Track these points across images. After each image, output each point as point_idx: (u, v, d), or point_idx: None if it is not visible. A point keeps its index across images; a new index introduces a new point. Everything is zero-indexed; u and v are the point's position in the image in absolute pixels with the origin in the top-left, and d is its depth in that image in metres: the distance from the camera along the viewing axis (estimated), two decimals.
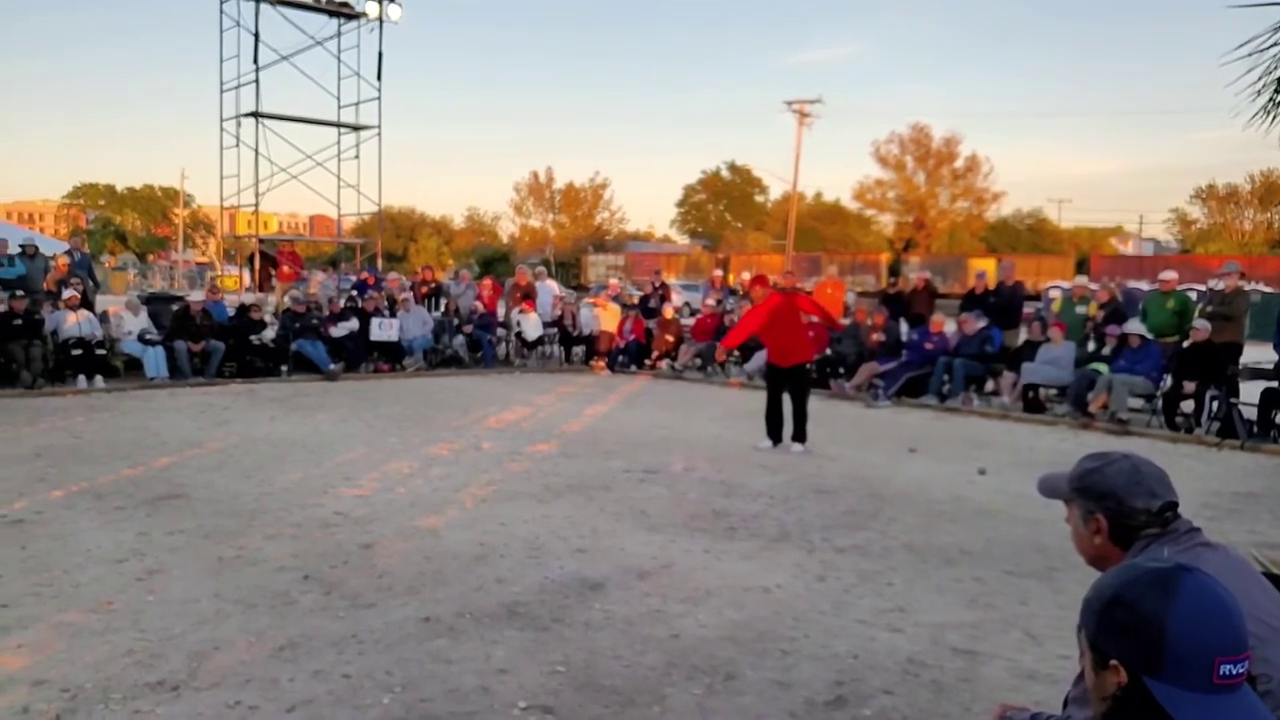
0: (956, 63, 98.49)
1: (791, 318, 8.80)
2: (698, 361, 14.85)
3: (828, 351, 12.79)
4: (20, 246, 14.45)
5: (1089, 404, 10.58)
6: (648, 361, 15.29)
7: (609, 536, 5.79)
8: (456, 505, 6.46)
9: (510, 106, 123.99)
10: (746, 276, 17.53)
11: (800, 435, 8.73)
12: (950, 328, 12.60)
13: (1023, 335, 12.46)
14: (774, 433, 8.82)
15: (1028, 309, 13.92)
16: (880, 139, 61.67)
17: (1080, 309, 12.29)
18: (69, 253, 15.02)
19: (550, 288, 17.22)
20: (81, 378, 11.89)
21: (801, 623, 4.44)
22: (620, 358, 15.37)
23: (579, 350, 16.18)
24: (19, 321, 11.72)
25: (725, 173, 72.57)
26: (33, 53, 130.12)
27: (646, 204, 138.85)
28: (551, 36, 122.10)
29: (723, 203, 72.98)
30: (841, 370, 12.92)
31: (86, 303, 13.03)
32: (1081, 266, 37.52)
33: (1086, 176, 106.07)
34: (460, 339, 15.28)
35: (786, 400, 8.80)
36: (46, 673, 3.67)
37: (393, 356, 14.49)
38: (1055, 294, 17.26)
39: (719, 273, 18.81)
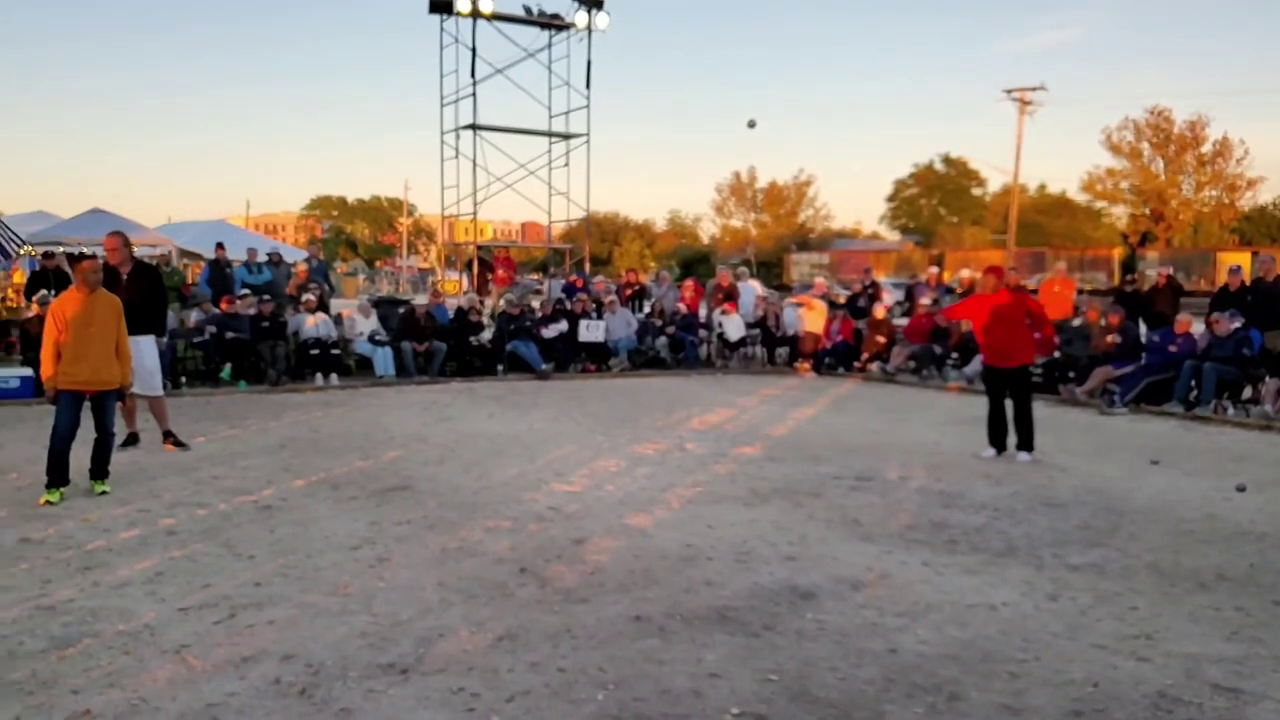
0: (1200, 37, 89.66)
1: (1016, 316, 8.26)
2: (911, 364, 14.25)
3: (1055, 354, 11.92)
4: (267, 255, 15.99)
5: None
6: (856, 364, 14.82)
7: (820, 544, 5.61)
8: (664, 505, 6.48)
9: (712, 107, 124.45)
10: (965, 274, 16.69)
11: (1027, 443, 8.17)
12: (1198, 328, 11.45)
13: None
14: (997, 440, 8.30)
15: None
16: (1112, 125, 57.07)
17: None
18: (308, 260, 16.43)
19: (753, 288, 17.06)
20: (319, 375, 12.91)
21: (1032, 644, 4.12)
22: (827, 359, 15.01)
23: (783, 351, 15.93)
24: (266, 323, 12.90)
25: (939, 165, 69.66)
26: (284, 78, 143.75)
27: (853, 200, 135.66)
28: (754, 34, 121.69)
29: (936, 197, 70.00)
30: (1071, 374, 12.02)
31: (323, 306, 14.18)
32: None
33: None
34: (663, 340, 15.45)
35: (1010, 406, 8.26)
36: (293, 648, 3.95)
37: (599, 357, 14.85)
38: None
39: (934, 270, 18.03)
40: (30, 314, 11.87)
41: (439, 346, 13.91)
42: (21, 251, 17.57)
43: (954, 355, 13.73)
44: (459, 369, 14.11)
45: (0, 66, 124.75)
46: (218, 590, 4.65)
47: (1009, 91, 39.44)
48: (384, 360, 13.54)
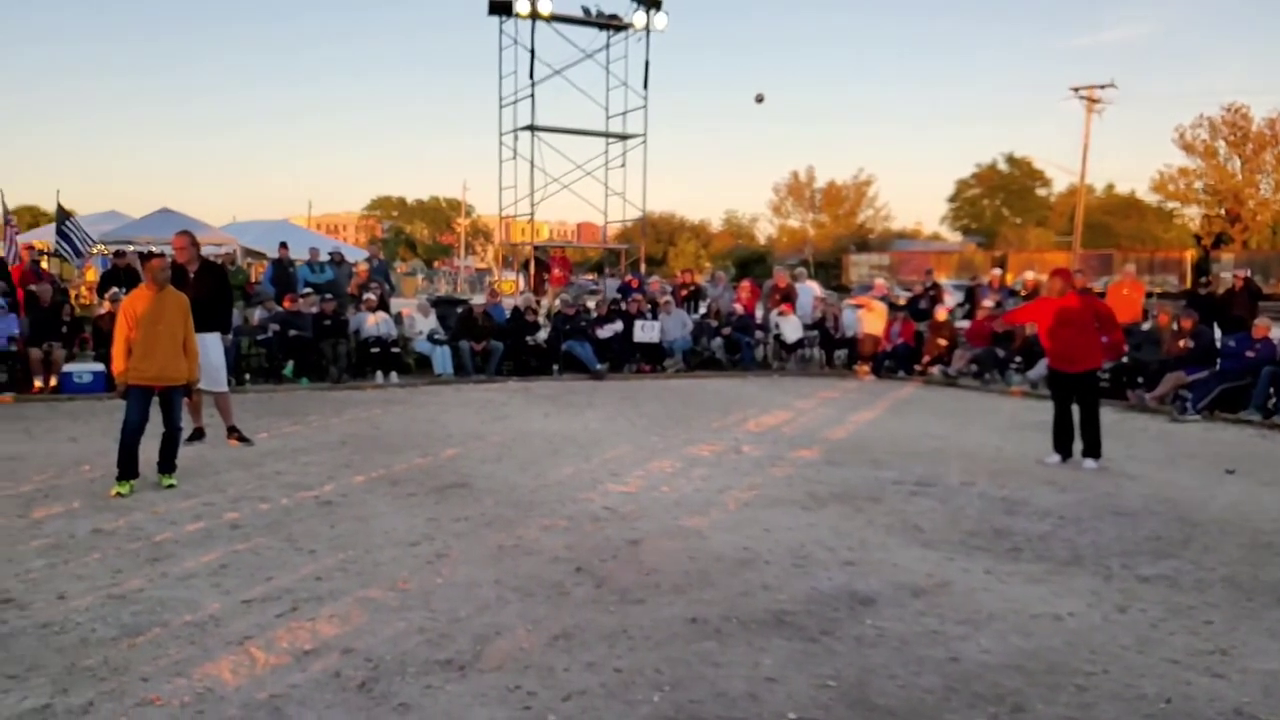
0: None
1: (1084, 320, 8.04)
2: (974, 367, 13.98)
3: (1124, 359, 11.60)
4: (329, 254, 16.27)
5: None
6: (917, 367, 14.60)
7: (879, 550, 5.53)
8: (720, 507, 6.43)
9: (770, 107, 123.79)
10: (1029, 276, 16.34)
11: (1093, 450, 7.96)
12: (1277, 333, 11.04)
13: None
14: (1062, 446, 8.10)
15: None
16: (1185, 123, 55.40)
17: None
18: (369, 260, 16.70)
19: (811, 289, 16.90)
20: (379, 373, 13.10)
21: (1100, 657, 4.00)
22: (887, 362, 14.80)
23: (841, 354, 15.76)
24: (328, 322, 13.13)
25: (1002, 165, 68.34)
26: (345, 77, 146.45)
27: (913, 200, 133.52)
28: (812, 32, 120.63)
29: (999, 197, 68.66)
30: (1140, 379, 11.68)
31: (384, 305, 14.37)
32: None
33: None
34: (719, 341, 15.38)
35: (1076, 411, 8.05)
36: (353, 642, 4.00)
37: (654, 358, 14.84)
38: None
39: (997, 271, 17.68)
40: (102, 311, 12.24)
41: (496, 346, 14.04)
42: (94, 250, 18.13)
43: (1017, 359, 13.45)
44: (515, 368, 14.22)
45: (72, 69, 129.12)
46: (280, 583, 4.73)
47: (1076, 89, 38.62)
48: (442, 359, 13.70)
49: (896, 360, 14.75)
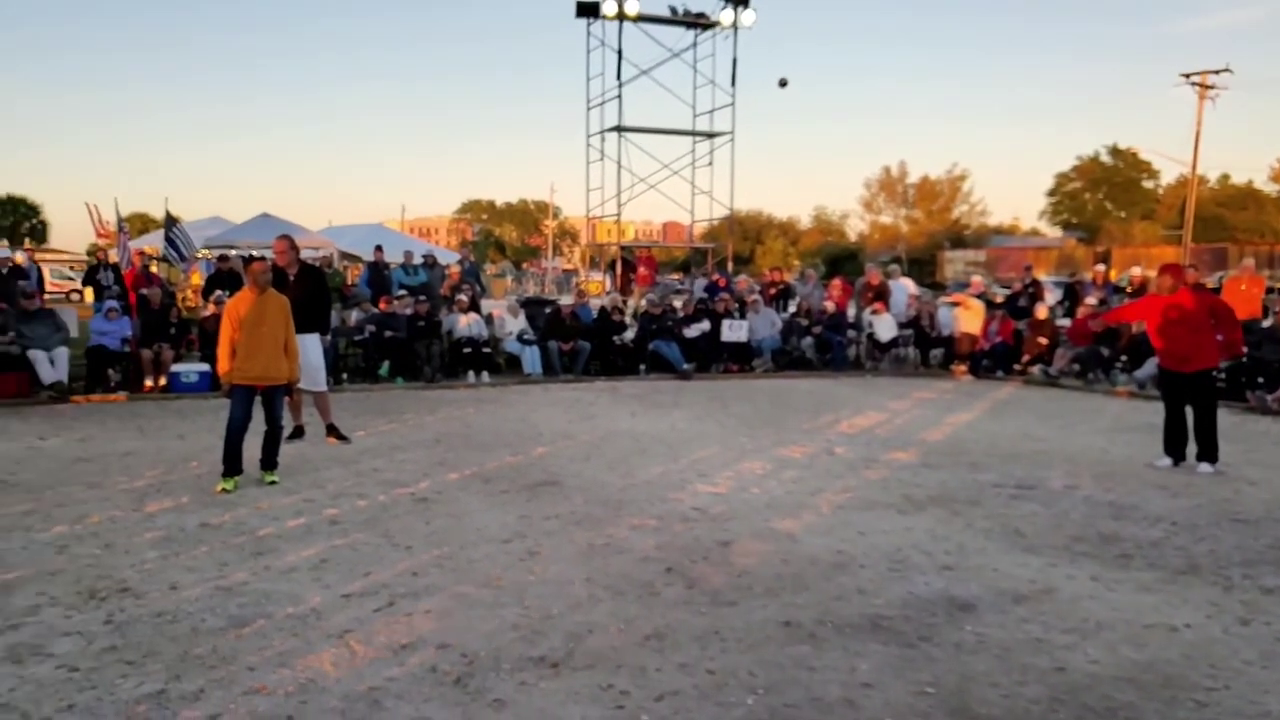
0: None
1: (1198, 318, 7.66)
2: (1076, 367, 13.46)
3: (1242, 358, 11.01)
4: (422, 257, 16.62)
5: None
6: (1016, 366, 14.12)
7: (978, 555, 5.36)
8: (812, 510, 6.33)
9: (861, 102, 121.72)
10: (1135, 272, 15.67)
11: (1209, 453, 7.57)
12: None
13: None
14: (1175, 449, 7.72)
15: None
16: None
17: None
18: (460, 262, 17.02)
19: (905, 286, 16.52)
20: (471, 373, 13.32)
21: (1221, 671, 3.79)
22: (984, 362, 14.36)
23: (937, 353, 15.37)
24: (422, 323, 13.41)
25: (1105, 157, 65.81)
26: (434, 83, 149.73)
27: (1011, 195, 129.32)
28: (902, 24, 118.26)
29: (1102, 190, 66.16)
30: (1261, 380, 11.07)
31: (475, 306, 14.61)
32: None
33: None
34: (809, 340, 15.16)
35: (1190, 413, 7.67)
36: (449, 638, 4.05)
37: (742, 357, 14.72)
38: None
39: (1100, 267, 16.99)
40: (207, 313, 12.73)
41: (583, 346, 14.13)
42: (199, 255, 18.88)
43: (1123, 358, 12.90)
44: (602, 368, 14.28)
45: (177, 83, 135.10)
46: (377, 578, 4.83)
47: (1187, 76, 36.89)
48: (531, 359, 13.87)
49: (994, 360, 14.30)
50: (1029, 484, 7.11)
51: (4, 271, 13.25)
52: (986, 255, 50.19)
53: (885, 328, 15.22)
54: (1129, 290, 14.43)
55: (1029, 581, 4.87)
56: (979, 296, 15.56)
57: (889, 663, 3.86)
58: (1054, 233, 67.37)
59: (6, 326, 11.43)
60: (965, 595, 4.67)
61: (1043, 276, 22.18)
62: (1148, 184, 64.44)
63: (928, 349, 15.33)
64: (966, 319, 14.88)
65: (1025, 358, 14.06)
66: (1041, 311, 14.37)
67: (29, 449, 8.25)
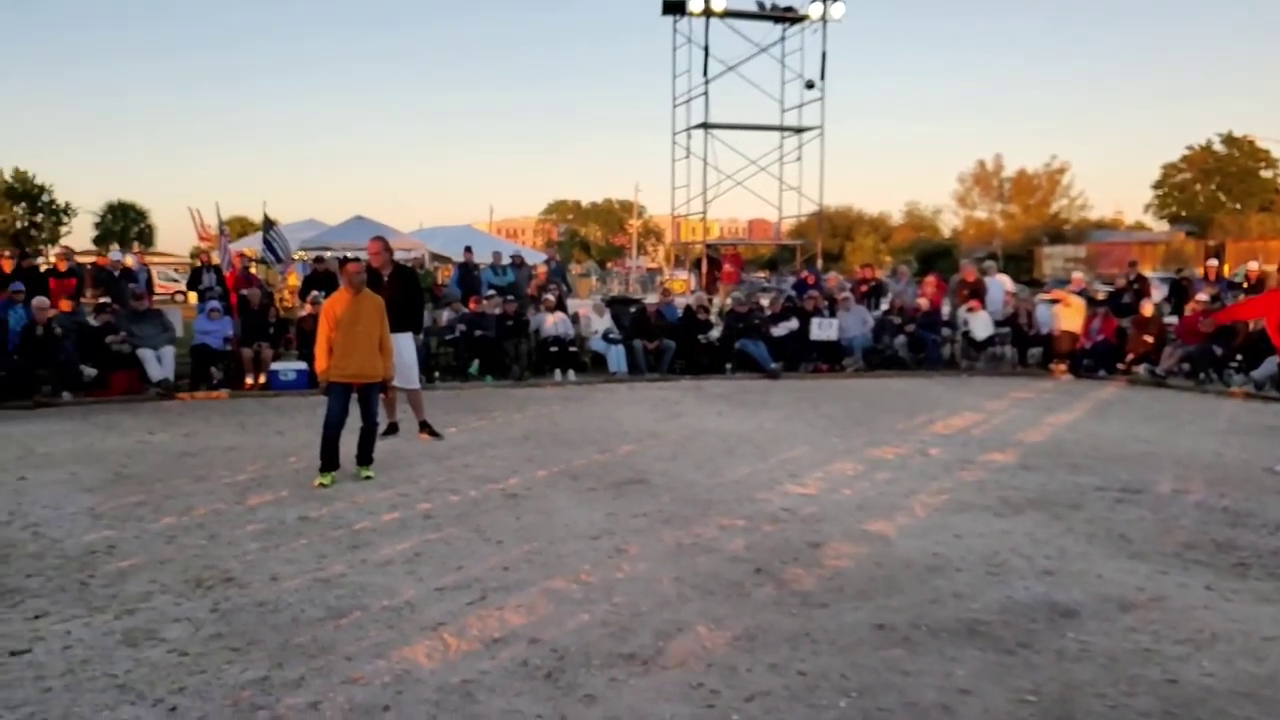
0: None
1: None
2: (1185, 366, 12.86)
3: None
4: (510, 258, 16.85)
5: None
6: (1120, 365, 13.57)
7: (1081, 560, 5.16)
8: (906, 512, 6.18)
9: (952, 94, 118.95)
10: (1253, 267, 14.89)
11: None
12: None
13: None
14: None
15: None
16: None
17: None
18: (547, 262, 17.20)
19: (1001, 283, 16.02)
20: (558, 371, 13.44)
21: None
22: (1085, 361, 13.84)
23: (1035, 352, 14.87)
24: (510, 322, 13.60)
25: (1219, 145, 62.71)
26: (519, 87, 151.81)
27: (1113, 188, 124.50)
28: (995, 8, 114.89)
29: (1214, 181, 63.03)
30: None
31: (561, 306, 14.74)
32: None
33: None
34: (902, 339, 14.83)
35: None
36: (539, 632, 4.08)
37: (832, 356, 14.49)
38: None
39: (1213, 262, 16.21)
40: (304, 313, 13.13)
41: (668, 344, 14.11)
42: (296, 256, 19.47)
43: (1238, 357, 12.27)
44: (687, 367, 14.22)
45: (273, 92, 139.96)
46: (469, 573, 4.90)
47: None
48: (617, 357, 13.91)
49: (1096, 358, 13.76)
50: (1135, 488, 6.81)
51: (115, 274, 13.90)
52: (1087, 250, 48.29)
53: (981, 326, 14.79)
54: (1245, 286, 13.72)
55: (1136, 589, 4.67)
56: (1080, 293, 14.98)
57: (987, 669, 3.75)
58: (1160, 227, 64.57)
59: (118, 326, 11.99)
60: (1067, 601, 4.50)
61: (1148, 272, 21.28)
62: (1265, 174, 61.16)
63: (1025, 347, 14.84)
64: (1067, 316, 14.35)
65: (1130, 356, 13.50)
66: (1147, 308, 13.78)
67: (139, 443, 8.64)
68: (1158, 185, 66.52)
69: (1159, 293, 15.46)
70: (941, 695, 3.51)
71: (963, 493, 6.70)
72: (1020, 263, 49.64)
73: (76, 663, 3.79)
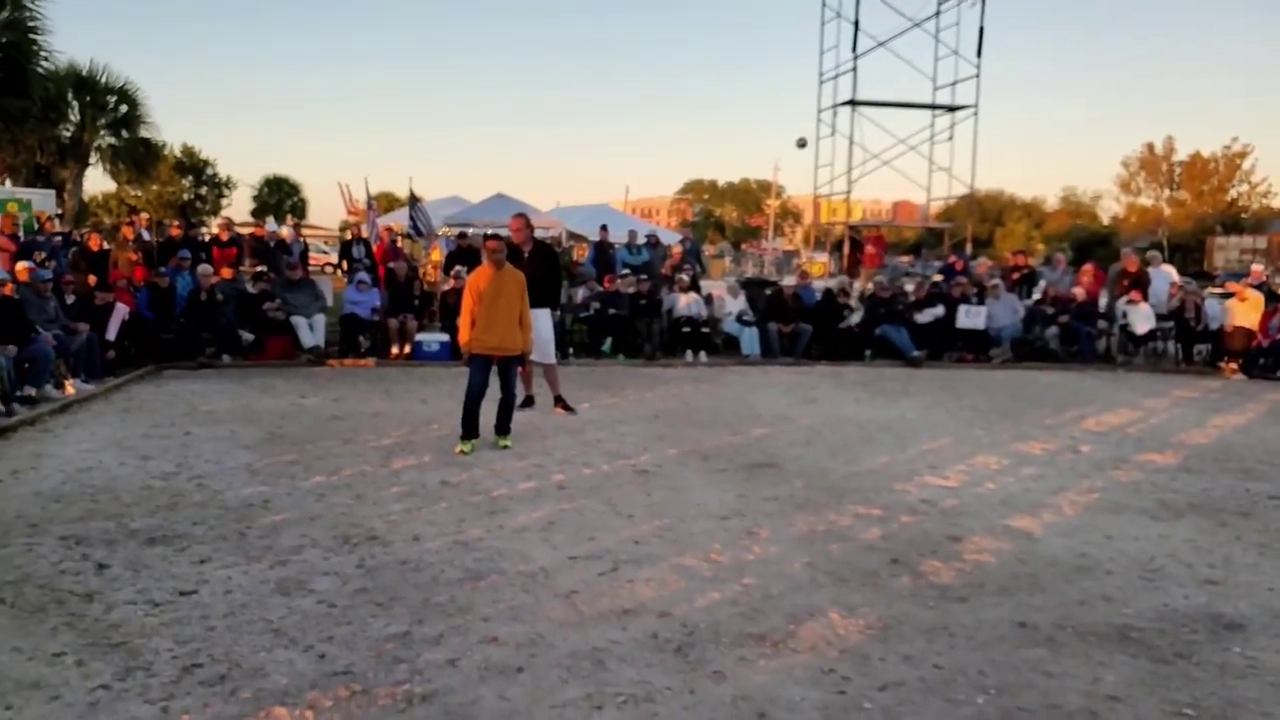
0: None
1: None
2: None
3: None
4: (645, 237, 16.91)
5: None
6: None
7: (1249, 570, 4.80)
8: (1052, 509, 5.89)
9: (1115, 74, 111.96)
10: None
11: None
12: None
13: None
14: None
15: None
16: None
17: None
18: (681, 242, 17.17)
19: (1166, 274, 15.04)
20: (689, 352, 13.44)
21: None
22: (1261, 360, 12.83)
23: (1203, 349, 13.90)
24: (644, 301, 13.67)
25: None
26: (654, 72, 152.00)
27: None
28: None
29: None
30: None
31: (695, 286, 14.69)
32: None
33: None
34: (1054, 330, 14.12)
35: None
36: (669, 607, 4.10)
37: (978, 346, 13.93)
38: None
39: None
40: (447, 287, 13.56)
41: (804, 328, 13.87)
42: (440, 233, 20.11)
43: None
44: (824, 352, 13.94)
45: (429, 75, 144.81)
46: (601, 544, 4.96)
47: None
48: (750, 340, 13.79)
49: (1274, 358, 12.75)
50: None
51: (272, 245, 14.70)
52: (1268, 241, 44.66)
53: (1142, 319, 13.91)
54: None
55: None
56: (1259, 287, 13.89)
57: (1139, 677, 3.54)
58: None
59: (274, 294, 12.69)
60: (1232, 614, 4.19)
61: None
62: None
63: (1191, 344, 13.89)
64: (1242, 312, 13.33)
65: None
66: None
67: (292, 405, 9.14)
68: None
69: None
70: (1088, 700, 3.34)
71: (1116, 493, 6.34)
72: (1189, 253, 46.39)
73: (236, 606, 4.05)
